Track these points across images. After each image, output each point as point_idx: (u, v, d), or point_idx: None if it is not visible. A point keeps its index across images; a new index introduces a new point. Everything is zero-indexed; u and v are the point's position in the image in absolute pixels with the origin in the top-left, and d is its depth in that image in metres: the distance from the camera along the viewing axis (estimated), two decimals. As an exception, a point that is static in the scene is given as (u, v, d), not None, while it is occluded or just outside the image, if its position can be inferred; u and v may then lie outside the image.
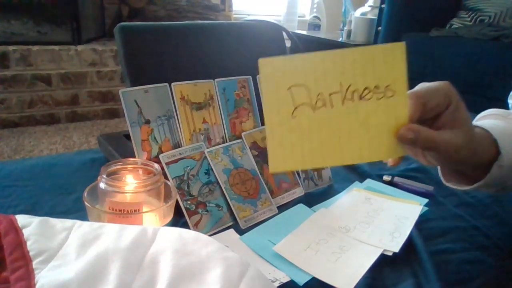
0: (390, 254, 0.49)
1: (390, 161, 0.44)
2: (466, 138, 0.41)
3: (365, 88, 0.37)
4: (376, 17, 2.02)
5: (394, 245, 0.50)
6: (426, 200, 0.62)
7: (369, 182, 0.68)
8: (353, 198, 0.62)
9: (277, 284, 0.43)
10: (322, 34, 2.54)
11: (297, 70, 0.36)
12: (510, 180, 0.46)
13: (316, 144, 0.37)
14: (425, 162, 0.46)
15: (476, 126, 0.45)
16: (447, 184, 0.50)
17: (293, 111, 0.36)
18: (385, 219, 0.56)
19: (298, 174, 0.65)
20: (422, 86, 0.41)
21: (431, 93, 0.40)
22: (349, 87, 0.36)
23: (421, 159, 0.46)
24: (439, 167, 0.50)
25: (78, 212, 0.53)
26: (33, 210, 0.54)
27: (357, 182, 0.68)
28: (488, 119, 0.51)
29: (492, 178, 0.45)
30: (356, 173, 0.73)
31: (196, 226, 0.51)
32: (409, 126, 0.39)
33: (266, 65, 0.35)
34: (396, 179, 0.69)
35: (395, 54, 0.36)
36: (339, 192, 0.65)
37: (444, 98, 0.40)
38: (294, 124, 0.36)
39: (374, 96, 0.37)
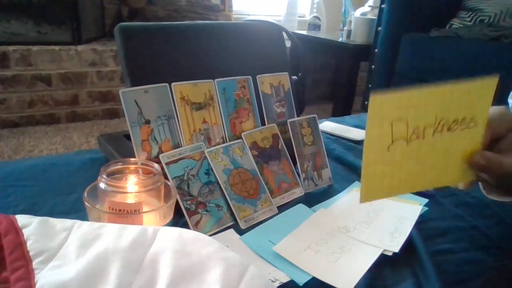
0: (390, 254, 0.49)
1: (461, 186, 0.47)
2: None
3: (454, 120, 0.39)
4: (376, 17, 2.02)
5: (394, 245, 0.50)
6: (426, 200, 0.62)
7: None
8: (353, 198, 0.62)
9: (277, 284, 0.43)
10: (322, 34, 2.54)
11: (401, 105, 0.37)
12: None
13: (404, 174, 0.39)
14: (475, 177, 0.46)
15: None
16: (489, 197, 0.50)
17: (390, 145, 0.37)
18: (385, 219, 0.56)
19: (298, 174, 0.65)
20: (491, 112, 0.42)
21: (500, 120, 0.43)
22: (441, 120, 0.38)
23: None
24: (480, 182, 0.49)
25: (78, 212, 0.53)
26: (33, 210, 0.54)
27: (357, 182, 0.68)
28: None
29: None
30: (356, 173, 0.73)
31: (196, 226, 0.52)
32: (482, 153, 0.42)
33: (377, 101, 0.36)
34: (396, 179, 0.69)
35: (488, 88, 0.39)
36: (339, 192, 0.65)
37: (508, 125, 0.43)
38: (389, 157, 0.38)
39: (459, 127, 0.39)
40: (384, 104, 0.36)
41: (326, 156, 0.70)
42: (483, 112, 0.39)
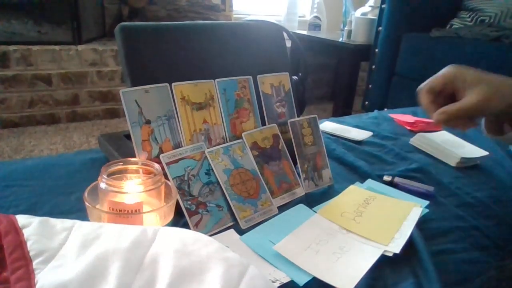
0: (391, 255, 0.49)
1: None
2: (487, 90, 0.48)
3: (364, 200, 0.62)
4: (376, 17, 2.01)
5: (395, 246, 0.50)
6: (426, 202, 0.62)
7: (369, 182, 0.68)
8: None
9: (277, 284, 0.43)
10: (322, 34, 2.54)
11: (333, 206, 0.60)
12: None
13: (383, 222, 0.56)
14: (472, 125, 0.53)
15: None
16: (488, 135, 0.56)
17: (355, 217, 0.57)
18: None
19: (299, 174, 0.65)
20: (430, 79, 0.54)
21: (433, 82, 0.53)
22: (358, 203, 0.61)
23: (466, 126, 0.53)
24: (483, 121, 0.56)
25: (78, 212, 0.53)
26: (33, 210, 0.54)
27: (358, 183, 0.68)
28: None
29: None
30: (357, 173, 0.73)
31: (196, 226, 0.51)
32: (438, 110, 0.50)
33: (320, 213, 0.58)
34: (397, 179, 0.69)
35: (355, 190, 0.65)
36: (339, 192, 0.65)
37: (443, 79, 0.52)
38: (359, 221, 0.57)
39: (369, 203, 0.61)
40: (326, 211, 0.58)
41: (326, 156, 0.70)
42: (369, 193, 0.64)
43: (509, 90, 0.48)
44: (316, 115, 0.70)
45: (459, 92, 0.50)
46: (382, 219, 0.57)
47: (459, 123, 0.52)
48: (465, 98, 0.49)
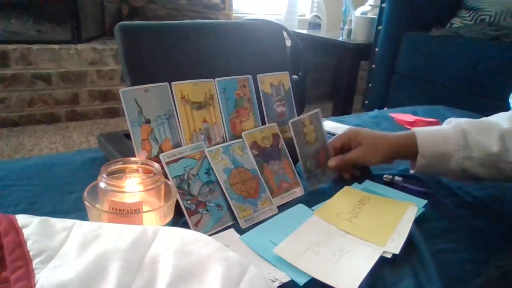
0: (390, 256, 0.49)
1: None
2: (367, 148, 0.66)
3: (359, 201, 0.61)
4: (376, 16, 2.01)
5: (394, 247, 0.50)
6: (424, 202, 0.62)
7: (367, 183, 0.68)
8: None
9: (277, 284, 0.43)
10: (322, 33, 2.53)
11: (329, 207, 0.60)
12: (451, 170, 0.62)
13: (378, 222, 0.56)
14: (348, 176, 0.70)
15: (412, 133, 0.65)
16: (412, 170, 0.68)
17: (351, 218, 0.57)
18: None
19: (299, 173, 0.65)
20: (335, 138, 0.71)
21: (335, 141, 0.70)
22: (354, 203, 0.61)
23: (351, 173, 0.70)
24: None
25: (78, 211, 0.53)
26: (33, 209, 0.54)
27: (356, 184, 0.68)
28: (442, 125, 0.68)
29: (421, 165, 0.63)
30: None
31: (196, 226, 0.51)
32: (331, 158, 0.68)
33: (317, 213, 0.58)
34: (397, 178, 0.69)
35: (350, 190, 0.65)
36: (339, 192, 0.65)
37: (341, 140, 0.69)
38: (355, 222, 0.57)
39: (364, 204, 0.61)
40: (324, 212, 0.58)
41: (329, 150, 0.70)
42: (365, 194, 0.64)
43: (381, 150, 0.66)
44: (319, 109, 0.71)
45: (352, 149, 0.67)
46: (378, 220, 0.56)
47: (348, 170, 0.70)
48: (350, 153, 0.67)
